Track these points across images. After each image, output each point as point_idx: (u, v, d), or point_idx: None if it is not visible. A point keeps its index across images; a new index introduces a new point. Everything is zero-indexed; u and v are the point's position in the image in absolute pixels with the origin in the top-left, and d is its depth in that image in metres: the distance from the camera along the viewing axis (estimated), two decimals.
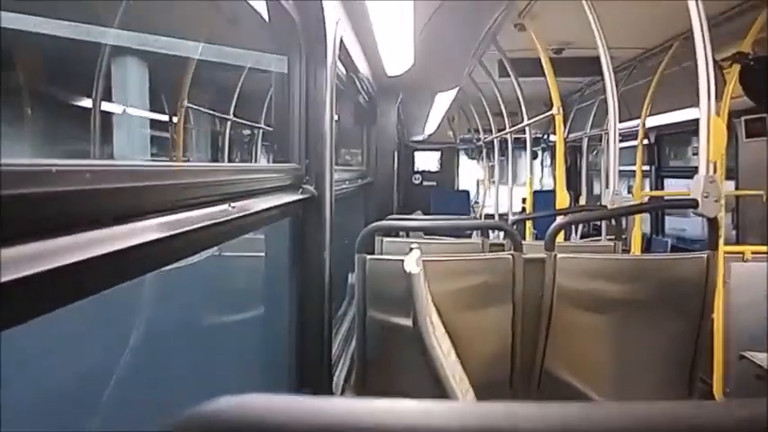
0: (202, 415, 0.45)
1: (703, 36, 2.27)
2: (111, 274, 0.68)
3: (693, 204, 2.16)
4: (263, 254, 1.88)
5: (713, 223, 2.21)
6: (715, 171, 2.25)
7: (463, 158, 11.86)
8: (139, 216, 0.72)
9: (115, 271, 0.69)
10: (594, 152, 7.93)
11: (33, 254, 0.51)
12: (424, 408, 0.46)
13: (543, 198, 6.75)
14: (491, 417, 0.46)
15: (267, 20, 1.89)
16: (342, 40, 2.29)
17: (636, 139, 5.38)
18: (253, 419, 0.45)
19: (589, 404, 0.49)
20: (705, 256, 2.15)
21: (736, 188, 4.80)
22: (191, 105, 4.36)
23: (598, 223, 6.68)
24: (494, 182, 8.78)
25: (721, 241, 2.51)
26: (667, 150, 6.60)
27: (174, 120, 4.52)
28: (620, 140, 3.58)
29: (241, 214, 1.10)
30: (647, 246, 5.75)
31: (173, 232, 0.78)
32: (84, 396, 1.37)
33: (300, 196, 1.67)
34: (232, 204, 1.08)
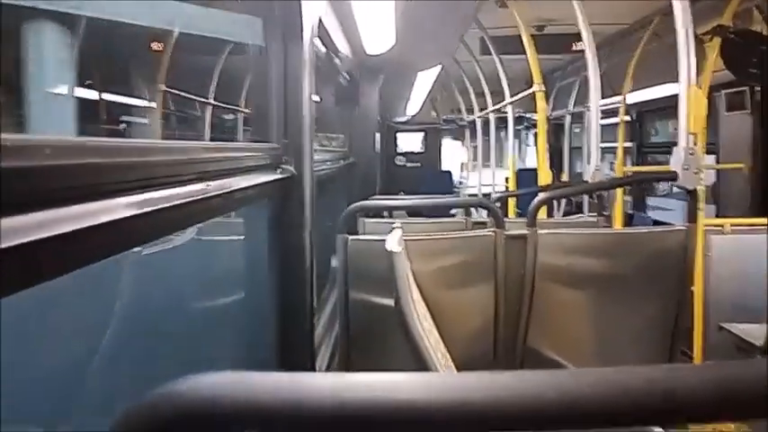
0: (176, 392, 0.45)
1: (683, 7, 2.27)
2: (82, 252, 0.66)
3: (673, 177, 2.18)
4: (242, 237, 1.86)
5: (693, 195, 2.22)
6: (695, 143, 2.26)
7: (447, 139, 11.85)
8: (109, 194, 0.70)
9: (86, 249, 0.67)
10: (578, 130, 7.95)
11: None
12: (392, 379, 0.46)
13: (527, 177, 6.76)
14: (458, 386, 0.46)
15: None
16: (320, 19, 2.26)
17: (618, 116, 5.40)
18: (226, 395, 0.44)
19: (562, 371, 0.49)
20: (685, 228, 2.17)
21: (717, 162, 4.84)
22: (168, 89, 4.29)
23: (580, 201, 6.71)
24: (476, 163, 8.80)
25: (701, 214, 2.53)
26: (649, 127, 6.64)
27: (153, 104, 4.45)
28: (603, 117, 3.59)
29: (218, 192, 1.08)
30: (630, 222, 5.79)
31: (145, 210, 0.76)
32: (75, 375, 1.36)
33: (279, 176, 1.65)
34: (208, 183, 1.06)
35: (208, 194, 1.05)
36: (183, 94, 4.95)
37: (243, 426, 0.45)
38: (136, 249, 1.30)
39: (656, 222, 5.75)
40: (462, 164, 11.37)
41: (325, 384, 0.46)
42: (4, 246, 0.50)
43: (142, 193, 0.79)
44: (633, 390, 0.45)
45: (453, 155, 11.88)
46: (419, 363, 1.51)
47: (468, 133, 10.25)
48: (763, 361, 0.45)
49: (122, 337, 1.47)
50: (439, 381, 0.47)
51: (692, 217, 2.24)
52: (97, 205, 0.68)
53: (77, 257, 0.67)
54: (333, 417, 0.44)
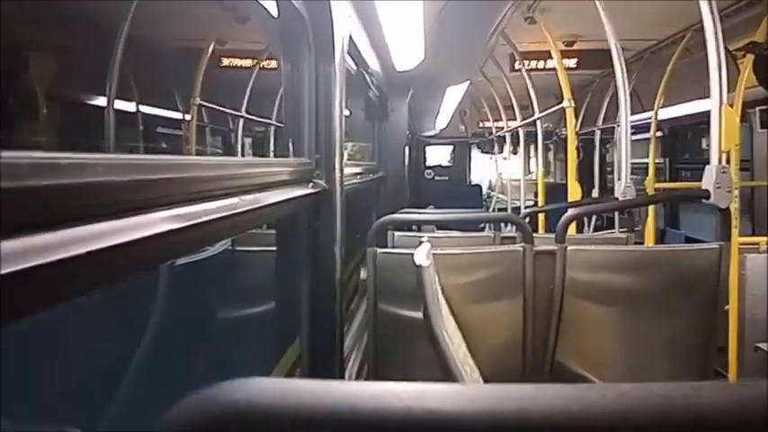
0: (207, 397, 0.47)
1: (714, 24, 2.25)
2: (123, 265, 0.70)
3: (705, 195, 2.15)
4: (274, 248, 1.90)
5: (726, 214, 2.19)
6: (728, 162, 2.23)
7: (475, 153, 11.83)
8: (150, 208, 0.73)
9: (127, 262, 0.70)
10: (607, 145, 7.88)
11: (43, 245, 0.53)
12: (421, 389, 0.47)
13: (557, 191, 6.72)
14: (486, 397, 0.47)
15: (276, 17, 1.91)
16: (351, 37, 2.30)
17: (650, 132, 5.34)
18: (255, 401, 0.47)
19: (587, 385, 0.50)
20: (718, 246, 2.14)
21: (751, 179, 4.75)
22: (203, 102, 4.40)
23: (611, 216, 6.63)
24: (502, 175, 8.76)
25: (735, 231, 2.49)
26: (682, 143, 6.54)
27: (187, 117, 4.56)
28: (634, 133, 3.56)
29: (251, 207, 1.11)
30: (661, 238, 5.70)
31: (183, 224, 0.80)
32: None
33: (311, 190, 1.68)
34: (242, 197, 1.09)
35: (241, 209, 1.09)
36: (216, 107, 5.07)
37: (280, 430, 0.47)
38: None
39: (689, 239, 5.66)
40: (490, 182, 11.20)
41: (359, 392, 0.48)
42: (61, 257, 0.53)
43: (178, 207, 0.83)
44: (658, 406, 0.46)
45: (482, 168, 11.83)
46: (447, 375, 1.52)
47: (496, 147, 10.22)
48: None
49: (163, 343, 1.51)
50: (468, 392, 0.49)
51: (725, 235, 2.21)
52: (137, 220, 0.71)
53: (120, 270, 0.70)
54: (365, 424, 0.46)
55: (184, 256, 1.42)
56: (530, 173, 8.33)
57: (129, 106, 4.02)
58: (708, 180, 2.16)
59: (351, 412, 0.46)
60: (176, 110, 4.74)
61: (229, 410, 0.46)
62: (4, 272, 0.49)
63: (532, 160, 8.95)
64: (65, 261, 0.56)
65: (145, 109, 4.23)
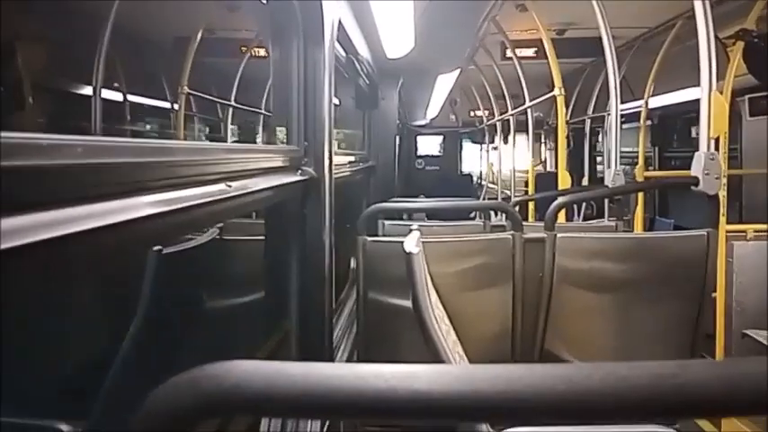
0: (190, 379, 0.47)
1: (705, 12, 2.25)
2: (107, 248, 0.69)
3: (694, 182, 2.16)
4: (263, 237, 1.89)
5: (714, 201, 2.20)
6: (717, 148, 2.24)
7: (466, 142, 11.84)
8: (133, 192, 0.72)
9: (111, 245, 0.69)
10: (598, 135, 7.89)
11: (20, 227, 0.52)
12: (406, 370, 0.47)
13: (547, 181, 6.73)
14: (471, 377, 0.47)
15: (265, 2, 1.89)
16: (340, 22, 2.28)
17: (640, 120, 5.35)
18: (238, 383, 0.46)
19: (572, 364, 0.50)
20: (705, 234, 2.15)
21: (740, 167, 4.78)
22: (191, 91, 4.36)
23: (601, 205, 6.66)
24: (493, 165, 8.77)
25: (723, 219, 2.51)
26: (672, 132, 6.57)
27: (175, 106, 4.52)
28: (624, 122, 3.57)
29: (238, 193, 1.11)
30: (650, 227, 5.73)
31: (167, 208, 0.79)
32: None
33: (299, 177, 1.67)
34: (229, 183, 1.08)
35: (228, 195, 1.08)
36: (204, 96, 5.03)
37: (262, 412, 0.47)
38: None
39: (677, 227, 5.69)
40: (481, 173, 11.12)
41: (344, 373, 0.47)
42: (32, 240, 0.52)
43: (164, 192, 0.82)
44: (642, 384, 0.46)
45: (473, 158, 11.84)
46: (437, 363, 1.52)
47: (487, 136, 10.21)
48: None
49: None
50: (453, 372, 0.49)
51: (713, 222, 2.22)
52: (122, 203, 0.70)
53: (100, 254, 0.69)
54: (350, 405, 0.46)
55: (171, 242, 1.41)
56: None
57: (117, 96, 3.98)
58: (697, 167, 2.16)
59: (335, 393, 0.46)
60: (165, 99, 4.70)
61: (212, 392, 0.46)
62: None
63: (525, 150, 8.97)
64: (46, 242, 0.55)
65: (132, 98, 4.19)
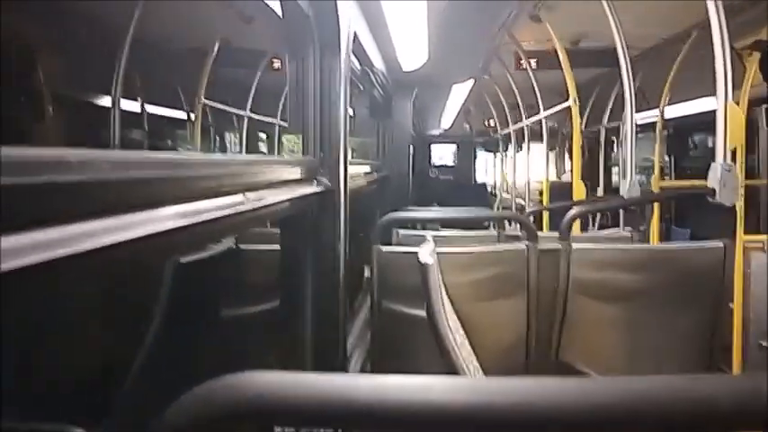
0: (210, 390, 0.48)
1: (720, 22, 2.25)
2: (128, 260, 0.71)
3: (710, 193, 2.15)
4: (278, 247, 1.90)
5: (731, 212, 2.19)
6: (733, 159, 2.23)
7: (480, 152, 11.83)
8: (155, 205, 0.74)
9: (132, 258, 0.71)
10: (613, 144, 7.85)
11: (51, 240, 0.54)
12: (423, 382, 0.48)
13: (562, 191, 6.70)
14: (486, 390, 0.48)
15: (281, 16, 1.91)
16: (356, 35, 2.31)
17: (655, 130, 5.32)
18: (258, 393, 0.47)
19: (588, 378, 0.50)
20: (722, 245, 2.13)
21: (758, 177, 4.73)
22: (208, 102, 4.41)
23: (617, 215, 6.61)
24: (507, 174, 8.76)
25: (740, 230, 2.48)
26: (688, 141, 6.51)
27: (192, 117, 4.58)
28: (640, 131, 3.55)
29: (255, 205, 1.12)
30: (667, 236, 5.68)
31: (188, 221, 0.80)
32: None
33: (315, 189, 1.69)
34: (246, 195, 1.10)
35: (246, 207, 1.09)
36: (221, 106, 5.08)
37: (280, 422, 0.48)
38: None
39: (694, 236, 5.63)
40: (495, 185, 11.01)
41: (361, 385, 0.48)
42: (66, 252, 0.54)
43: (183, 204, 0.84)
44: (660, 399, 0.47)
45: (487, 167, 11.83)
46: (451, 374, 1.53)
47: (501, 146, 10.19)
48: None
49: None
50: (469, 385, 0.50)
51: (730, 233, 2.20)
52: (143, 216, 0.72)
53: (125, 265, 0.71)
54: (367, 416, 0.47)
55: (189, 253, 1.43)
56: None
57: (135, 106, 4.04)
58: (713, 178, 2.15)
59: (352, 404, 0.47)
60: (182, 109, 4.76)
61: (232, 403, 0.47)
62: (5, 268, 0.49)
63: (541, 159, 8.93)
64: (70, 257, 0.57)
65: (151, 109, 4.25)
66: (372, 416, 0.47)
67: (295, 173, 1.59)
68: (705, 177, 2.25)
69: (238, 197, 1.09)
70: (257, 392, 0.48)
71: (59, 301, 0.61)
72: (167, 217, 0.78)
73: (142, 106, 4.12)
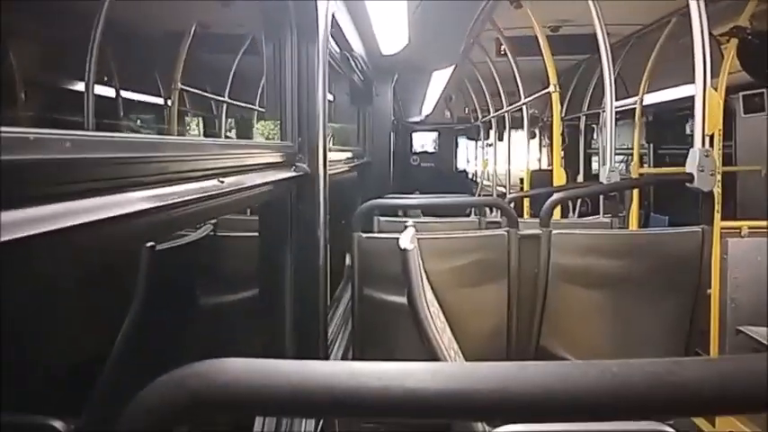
0: (178, 378, 0.46)
1: (699, 8, 2.25)
2: (96, 244, 0.68)
3: (688, 179, 2.16)
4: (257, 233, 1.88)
5: (708, 197, 2.20)
6: (711, 145, 2.24)
7: (462, 139, 11.84)
8: (122, 188, 0.71)
9: (100, 241, 0.68)
10: (593, 131, 7.90)
11: (7, 222, 0.51)
12: (399, 368, 0.46)
13: (543, 178, 6.73)
14: (464, 375, 0.46)
15: None
16: (334, 17, 2.27)
17: (635, 117, 5.36)
18: (228, 381, 0.45)
19: (567, 362, 0.49)
20: (700, 230, 2.15)
21: (735, 164, 4.79)
22: (185, 87, 4.33)
23: (596, 202, 6.67)
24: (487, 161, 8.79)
25: (717, 216, 2.51)
26: (667, 128, 6.57)
27: (168, 102, 4.50)
28: (620, 119, 3.57)
29: (231, 189, 1.10)
30: (646, 223, 5.74)
31: (157, 204, 0.78)
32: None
33: (293, 174, 1.66)
34: (221, 179, 1.07)
35: (221, 191, 1.07)
36: (198, 92, 5.00)
37: (250, 411, 0.46)
38: None
39: (673, 223, 5.70)
40: (476, 172, 11.00)
41: (336, 372, 0.46)
42: (20, 235, 0.51)
43: (155, 188, 0.81)
44: (637, 382, 0.46)
45: (468, 154, 11.84)
46: (432, 360, 1.52)
47: (482, 133, 10.20)
48: (765, 356, 0.45)
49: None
50: (446, 370, 0.48)
51: (707, 219, 2.22)
52: (112, 198, 0.69)
53: (91, 249, 0.69)
54: (340, 403, 0.45)
55: (164, 238, 1.40)
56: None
57: (110, 91, 3.95)
58: (691, 163, 2.16)
59: (325, 391, 0.45)
60: (158, 95, 4.67)
61: (199, 391, 0.45)
62: None
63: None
64: (30, 238, 0.54)
65: (126, 94, 4.16)
66: (347, 403, 0.46)
67: (273, 158, 1.56)
68: (683, 165, 2.26)
69: (213, 182, 1.06)
70: (227, 379, 0.46)
71: (22, 287, 0.58)
72: (138, 200, 0.75)
73: (117, 91, 4.04)
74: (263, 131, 1.70)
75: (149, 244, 1.37)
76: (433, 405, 0.46)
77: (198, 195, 0.94)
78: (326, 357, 1.99)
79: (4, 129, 0.52)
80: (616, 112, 3.50)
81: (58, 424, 1.28)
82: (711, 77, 2.30)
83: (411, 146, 11.58)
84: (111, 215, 0.67)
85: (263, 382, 0.46)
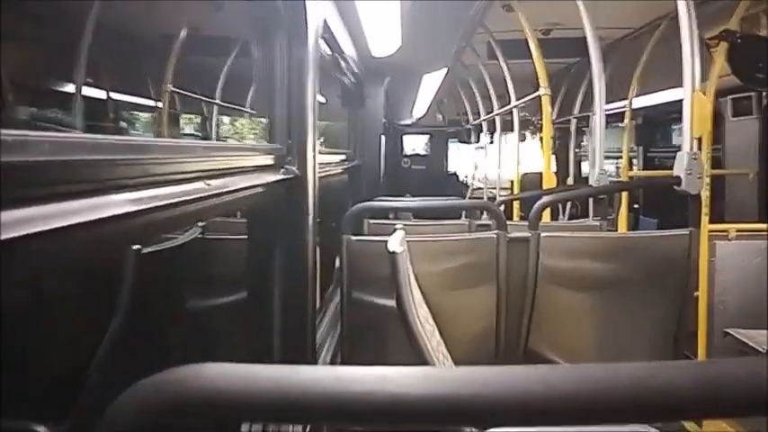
0: (156, 383, 0.45)
1: (688, 12, 2.27)
2: (79, 247, 0.67)
3: (676, 182, 2.17)
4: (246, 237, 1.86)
5: (696, 200, 2.21)
6: (699, 148, 2.25)
7: (453, 142, 11.85)
8: (105, 190, 0.70)
9: (83, 245, 0.67)
10: (583, 134, 7.93)
11: None
12: (383, 373, 0.46)
13: (532, 181, 6.74)
14: (447, 380, 0.46)
15: None
16: (325, 20, 2.27)
17: (624, 120, 5.38)
18: (208, 386, 0.45)
19: (551, 366, 0.49)
20: (688, 233, 2.16)
21: (723, 167, 4.82)
22: (175, 89, 4.31)
23: (586, 205, 6.70)
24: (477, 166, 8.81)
25: (705, 219, 2.52)
26: (657, 132, 6.61)
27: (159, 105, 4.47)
28: (609, 122, 3.58)
29: (217, 191, 1.09)
30: (635, 226, 5.77)
31: (141, 207, 0.77)
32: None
33: (282, 176, 1.65)
34: (207, 182, 1.06)
35: (207, 193, 1.06)
36: (189, 94, 4.98)
37: (229, 417, 0.45)
38: None
39: (662, 226, 5.72)
40: (466, 177, 10.99)
41: (315, 377, 0.46)
42: (2, 238, 0.50)
43: (139, 190, 0.80)
44: (620, 387, 0.45)
45: (460, 158, 11.85)
46: (421, 363, 1.52)
47: (473, 136, 10.22)
48: (752, 360, 0.45)
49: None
50: (429, 375, 0.48)
51: (695, 222, 2.23)
52: (94, 201, 0.68)
53: (75, 252, 0.67)
54: (322, 409, 0.44)
55: (150, 242, 1.39)
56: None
57: (100, 93, 3.93)
58: (679, 166, 2.17)
59: (306, 397, 0.44)
60: (149, 97, 4.64)
61: (177, 397, 0.44)
62: None
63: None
64: (13, 241, 0.53)
65: (116, 96, 4.13)
66: (329, 409, 0.45)
67: (261, 160, 1.55)
68: (672, 168, 2.27)
69: (200, 184, 1.05)
70: (205, 385, 0.45)
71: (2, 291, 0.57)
72: (121, 202, 0.74)
73: (107, 94, 4.01)
74: (240, 130, 1.69)
75: (135, 247, 1.36)
76: (415, 410, 0.45)
77: (183, 198, 0.93)
78: (315, 362, 1.98)
79: None
80: (606, 115, 3.52)
81: (41, 429, 1.27)
82: (701, 81, 2.31)
83: (402, 149, 11.59)
84: (94, 218, 0.66)
85: (244, 387, 0.45)
